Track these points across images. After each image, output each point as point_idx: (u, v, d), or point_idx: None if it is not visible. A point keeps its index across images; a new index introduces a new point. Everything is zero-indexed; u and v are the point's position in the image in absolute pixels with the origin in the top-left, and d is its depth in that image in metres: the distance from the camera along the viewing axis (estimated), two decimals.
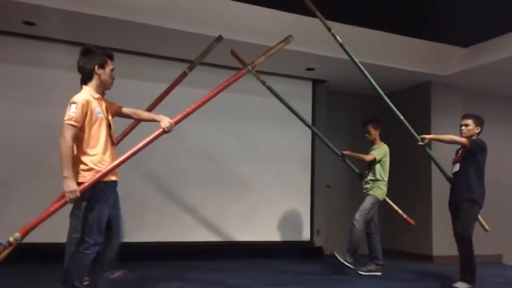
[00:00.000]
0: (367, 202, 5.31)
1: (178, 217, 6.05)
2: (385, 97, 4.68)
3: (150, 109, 4.31)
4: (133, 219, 5.18)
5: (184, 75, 4.49)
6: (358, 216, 5.25)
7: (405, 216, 5.44)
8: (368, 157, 5.35)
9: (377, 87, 4.63)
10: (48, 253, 4.61)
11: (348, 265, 5.05)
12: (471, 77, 6.85)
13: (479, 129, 4.65)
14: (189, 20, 5.23)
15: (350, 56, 4.47)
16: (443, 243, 4.99)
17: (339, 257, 5.13)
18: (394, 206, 5.48)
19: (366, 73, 4.57)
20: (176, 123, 3.42)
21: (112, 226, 3.36)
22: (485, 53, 6.28)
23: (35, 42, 5.52)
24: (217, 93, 3.79)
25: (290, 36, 4.20)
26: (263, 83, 4.98)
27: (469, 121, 4.65)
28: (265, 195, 6.60)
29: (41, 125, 5.37)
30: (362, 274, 5.21)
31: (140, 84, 5.86)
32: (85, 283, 3.33)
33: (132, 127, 4.32)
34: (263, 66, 5.29)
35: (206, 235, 6.21)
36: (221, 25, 5.20)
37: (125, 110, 3.42)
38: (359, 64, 4.52)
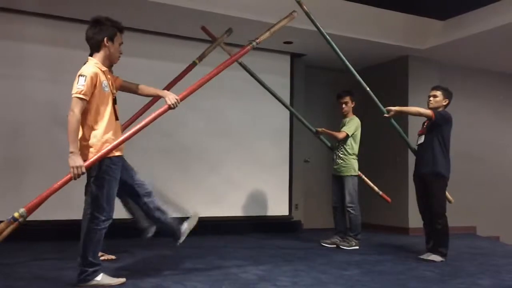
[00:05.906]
0: (349, 184, 5.30)
1: None
2: (350, 66, 4.63)
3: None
4: None
5: (193, 65, 4.56)
6: (349, 201, 5.27)
7: (380, 193, 5.49)
8: (341, 135, 5.34)
9: (342, 56, 4.56)
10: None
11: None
12: (449, 51, 6.84)
13: (447, 102, 4.67)
14: None
15: (315, 25, 4.38)
16: (419, 215, 5.09)
17: (326, 245, 5.34)
18: (370, 183, 5.51)
19: (332, 43, 4.51)
20: (182, 99, 3.35)
21: (134, 190, 3.37)
22: (463, 26, 6.25)
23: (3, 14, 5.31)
24: (222, 69, 3.72)
25: (294, 11, 4.11)
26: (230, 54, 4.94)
27: (438, 93, 4.67)
28: (241, 170, 6.56)
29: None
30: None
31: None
32: (101, 258, 3.45)
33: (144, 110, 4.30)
34: (239, 38, 5.20)
35: (180, 212, 6.12)
36: None
37: (130, 84, 3.37)
38: (325, 33, 4.44)
